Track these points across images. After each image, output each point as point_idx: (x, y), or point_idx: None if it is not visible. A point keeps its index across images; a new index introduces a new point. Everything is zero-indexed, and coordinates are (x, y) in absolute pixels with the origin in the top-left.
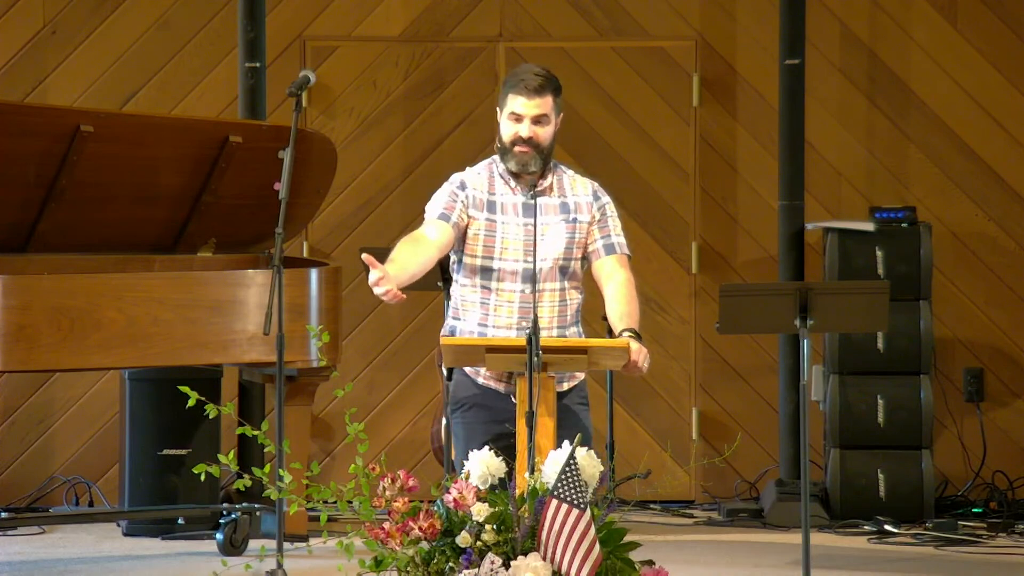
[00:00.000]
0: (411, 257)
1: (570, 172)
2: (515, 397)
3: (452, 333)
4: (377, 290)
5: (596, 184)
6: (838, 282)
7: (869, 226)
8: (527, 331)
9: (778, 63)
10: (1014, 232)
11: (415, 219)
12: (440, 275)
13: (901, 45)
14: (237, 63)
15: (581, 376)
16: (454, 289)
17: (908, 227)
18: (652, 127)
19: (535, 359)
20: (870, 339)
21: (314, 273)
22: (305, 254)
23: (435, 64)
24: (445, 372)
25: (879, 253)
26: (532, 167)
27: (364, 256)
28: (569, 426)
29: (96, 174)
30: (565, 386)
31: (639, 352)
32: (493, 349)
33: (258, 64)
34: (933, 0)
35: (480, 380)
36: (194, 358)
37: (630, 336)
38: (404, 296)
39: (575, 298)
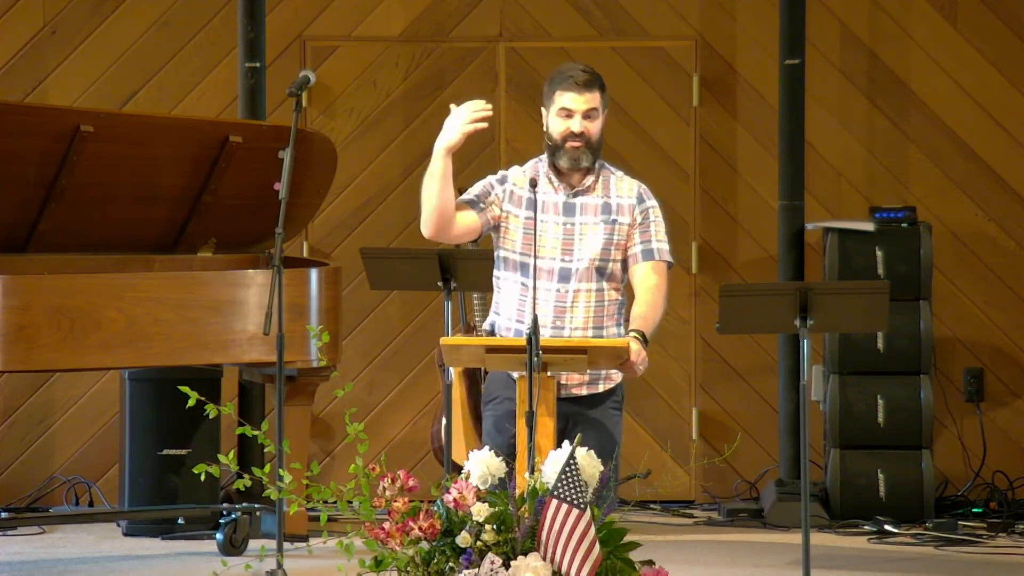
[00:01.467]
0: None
1: (619, 173)
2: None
3: (492, 326)
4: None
5: (644, 187)
6: (838, 282)
7: (869, 226)
8: (562, 330)
9: (778, 63)
10: (1014, 232)
11: (415, 219)
12: (440, 275)
13: (901, 45)
14: (237, 63)
15: (619, 378)
16: (495, 284)
17: (908, 227)
18: (652, 127)
19: (535, 359)
20: (870, 339)
21: (314, 273)
22: (305, 254)
23: (435, 64)
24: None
25: (879, 253)
26: (584, 162)
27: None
28: (600, 435)
29: (96, 174)
30: (601, 387)
31: (637, 354)
32: (493, 349)
33: (258, 64)
34: (933, 0)
35: (515, 375)
36: (194, 358)
37: (634, 336)
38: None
39: (613, 298)
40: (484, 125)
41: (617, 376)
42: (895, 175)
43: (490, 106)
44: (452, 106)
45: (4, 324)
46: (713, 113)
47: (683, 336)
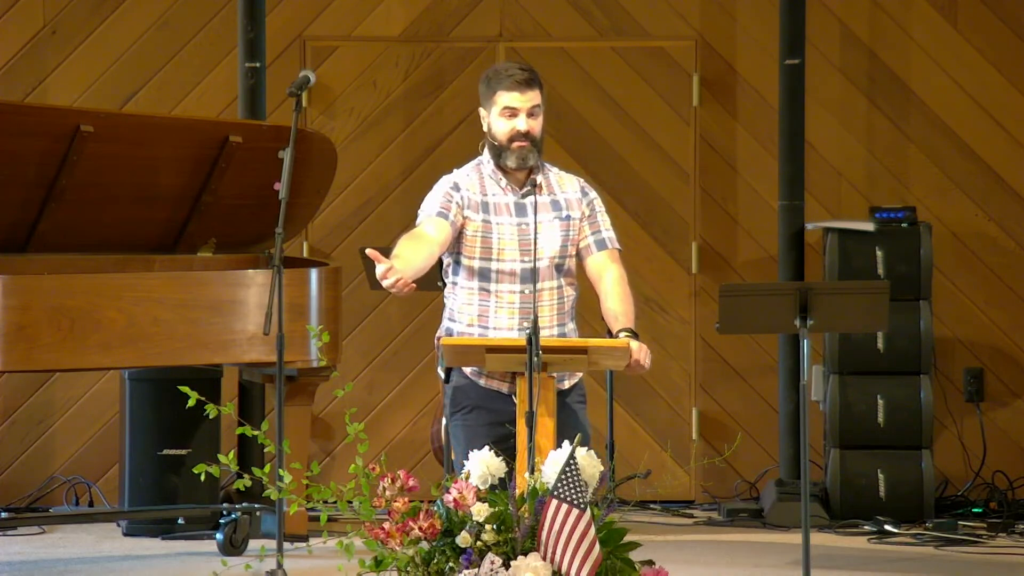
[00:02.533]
0: (415, 252)
1: (555, 169)
2: (516, 397)
3: (448, 333)
4: (386, 282)
5: (582, 180)
6: (838, 282)
7: (869, 226)
8: (527, 331)
9: (778, 63)
10: (1014, 232)
11: (415, 219)
12: (439, 275)
13: (901, 45)
14: (237, 63)
15: (580, 374)
16: (450, 292)
17: (908, 227)
18: (652, 127)
19: (535, 359)
20: (870, 339)
21: (314, 273)
22: (305, 254)
23: (435, 64)
24: (443, 374)
25: (879, 253)
26: (531, 160)
27: (368, 251)
28: (569, 425)
29: (96, 174)
30: (567, 384)
31: (640, 350)
32: (493, 349)
33: (258, 64)
34: (933, 0)
35: (482, 382)
36: (194, 358)
37: (628, 336)
38: (415, 285)
39: (570, 294)
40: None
41: (577, 375)
42: (895, 175)
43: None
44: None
45: (4, 324)
46: (713, 113)
47: (683, 336)
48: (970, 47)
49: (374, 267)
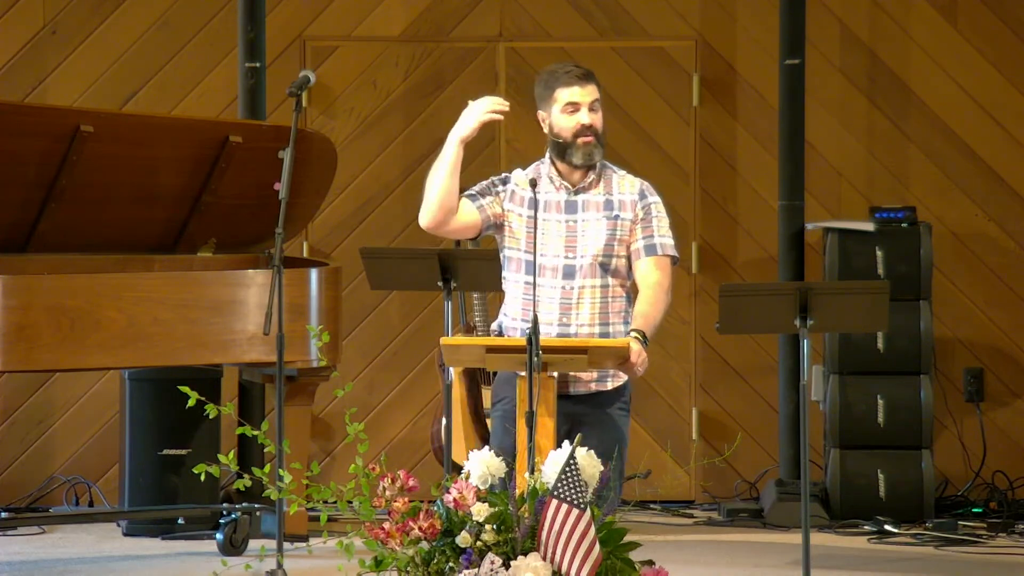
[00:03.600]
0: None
1: (621, 171)
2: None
3: (500, 326)
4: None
5: (646, 184)
6: (838, 282)
7: (869, 226)
8: (568, 327)
9: (778, 63)
10: (1014, 232)
11: (415, 219)
12: (440, 275)
13: (901, 45)
14: (237, 63)
15: (626, 376)
16: (504, 284)
17: (908, 227)
18: (652, 127)
19: (535, 359)
20: (870, 339)
21: (314, 273)
22: (305, 254)
23: (435, 64)
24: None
25: (879, 253)
26: (596, 156)
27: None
28: (608, 435)
29: (96, 174)
30: (609, 385)
31: (637, 355)
32: (493, 349)
33: (258, 64)
34: (933, 0)
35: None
36: (194, 358)
37: (635, 337)
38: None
39: (619, 295)
40: (500, 117)
41: (625, 375)
42: (895, 175)
43: (507, 103)
44: (469, 101)
45: (4, 324)
46: (713, 113)
47: (683, 336)
48: (970, 47)
49: (374, 267)
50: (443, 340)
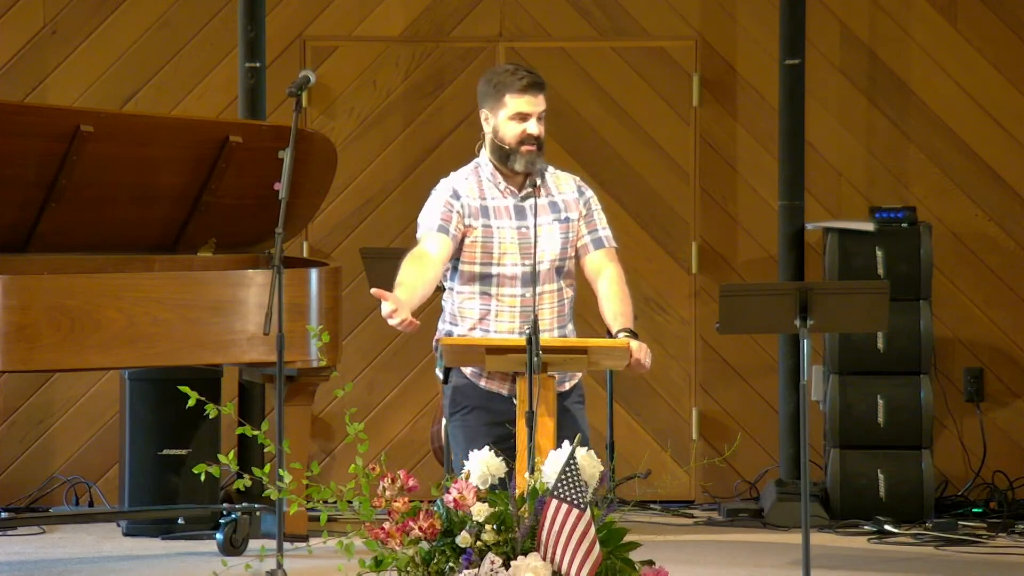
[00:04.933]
0: (418, 278)
1: (551, 168)
2: (516, 399)
3: (449, 336)
4: (392, 321)
5: (578, 178)
6: (838, 282)
7: (869, 226)
8: (527, 334)
9: (778, 63)
10: (1014, 232)
11: (415, 219)
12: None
13: (901, 45)
14: (237, 63)
15: (580, 375)
16: (448, 296)
17: (908, 227)
18: (652, 127)
19: (535, 359)
20: (870, 339)
21: (314, 273)
22: (305, 254)
23: (435, 64)
24: (441, 375)
25: (879, 253)
26: (538, 164)
27: (373, 291)
28: (568, 427)
29: (96, 174)
30: (567, 386)
31: (640, 350)
32: (493, 350)
33: (258, 64)
34: (933, 0)
35: (481, 383)
36: (194, 358)
37: (627, 335)
38: (419, 324)
39: (569, 295)
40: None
41: (577, 375)
42: (895, 175)
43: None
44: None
45: (4, 324)
46: (713, 113)
47: (683, 336)
48: (970, 47)
49: (374, 267)
50: (443, 340)
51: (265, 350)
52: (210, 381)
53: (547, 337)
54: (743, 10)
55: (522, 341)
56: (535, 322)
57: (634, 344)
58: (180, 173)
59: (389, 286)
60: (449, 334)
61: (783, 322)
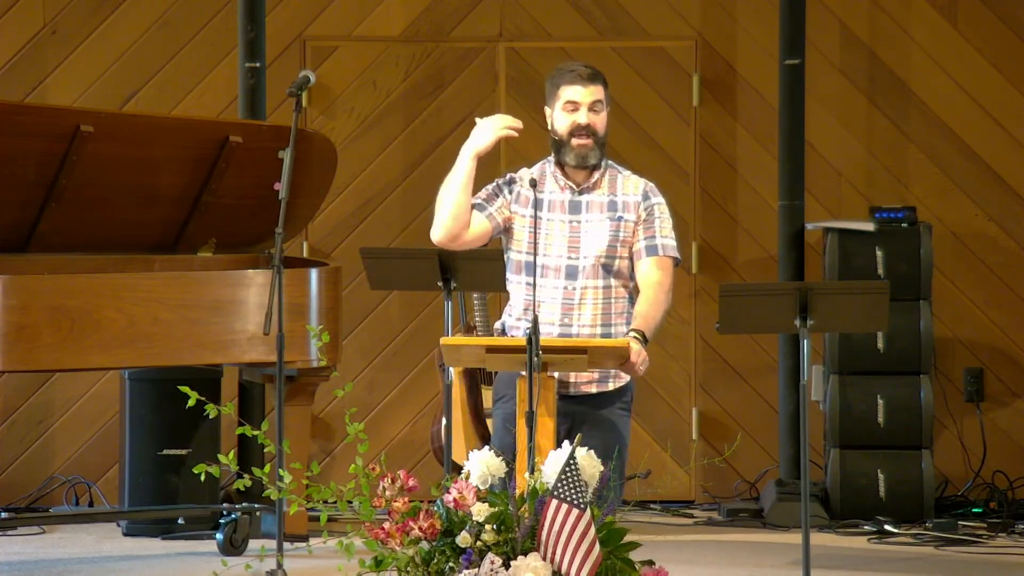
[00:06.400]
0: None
1: (626, 172)
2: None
3: (503, 326)
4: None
5: (651, 184)
6: (838, 282)
7: (869, 226)
8: (570, 327)
9: (778, 63)
10: (1014, 232)
11: (415, 219)
12: (440, 275)
13: (901, 45)
14: (237, 63)
15: (628, 377)
16: (508, 285)
17: (908, 227)
18: (652, 127)
19: (535, 359)
20: (870, 339)
21: (314, 273)
22: (305, 254)
23: (435, 64)
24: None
25: (879, 253)
26: (591, 159)
27: (509, 123)
28: (608, 436)
29: (96, 174)
30: (611, 386)
31: (637, 355)
32: (493, 349)
33: (258, 64)
34: (933, 0)
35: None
36: (194, 358)
37: (635, 336)
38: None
39: (622, 296)
40: (516, 135)
41: (626, 375)
42: (895, 175)
43: (520, 123)
44: (477, 119)
45: (4, 324)
46: (713, 113)
47: (683, 336)
48: (970, 47)
49: (374, 267)
50: (443, 340)
51: (265, 350)
52: (210, 381)
53: (587, 335)
54: (743, 10)
55: (555, 338)
56: (535, 320)
57: (634, 346)
58: (180, 173)
59: (389, 286)
60: (503, 323)
61: (783, 322)
